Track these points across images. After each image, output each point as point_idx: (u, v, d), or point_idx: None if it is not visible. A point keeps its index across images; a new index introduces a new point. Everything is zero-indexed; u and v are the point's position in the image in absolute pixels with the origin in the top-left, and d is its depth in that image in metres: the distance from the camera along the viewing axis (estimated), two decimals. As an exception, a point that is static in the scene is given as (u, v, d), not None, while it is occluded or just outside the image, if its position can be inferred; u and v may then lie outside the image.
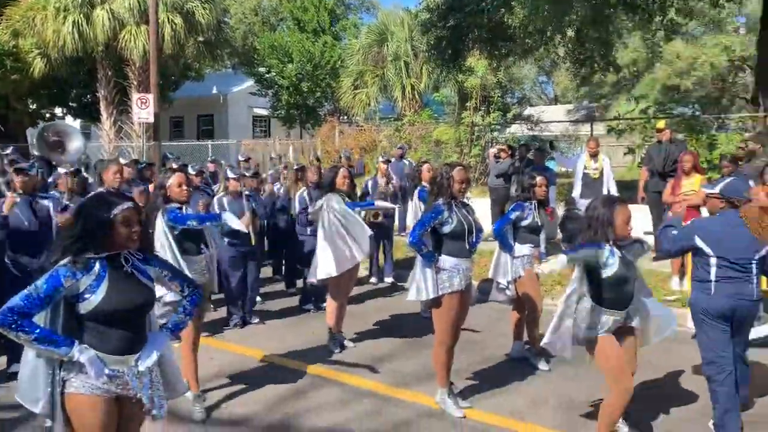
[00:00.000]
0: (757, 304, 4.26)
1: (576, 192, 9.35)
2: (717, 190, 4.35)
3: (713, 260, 4.10)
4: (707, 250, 4.13)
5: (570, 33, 11.99)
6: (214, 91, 26.21)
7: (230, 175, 6.87)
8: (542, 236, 5.90)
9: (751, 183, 7.39)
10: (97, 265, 2.71)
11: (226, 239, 6.76)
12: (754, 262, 4.09)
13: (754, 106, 11.70)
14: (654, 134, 10.04)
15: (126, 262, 2.81)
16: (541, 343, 4.31)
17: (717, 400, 4.17)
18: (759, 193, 7.14)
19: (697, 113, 15.42)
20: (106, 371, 2.68)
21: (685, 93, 24.21)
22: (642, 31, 14.43)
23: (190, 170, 7.81)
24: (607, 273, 3.86)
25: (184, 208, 4.76)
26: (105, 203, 2.75)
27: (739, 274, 4.07)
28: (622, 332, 4.00)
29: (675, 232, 4.40)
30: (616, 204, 3.92)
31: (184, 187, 4.76)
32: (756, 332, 5.41)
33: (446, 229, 4.55)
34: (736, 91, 24.25)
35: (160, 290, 3.43)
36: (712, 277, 4.10)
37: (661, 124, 9.54)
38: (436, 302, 4.58)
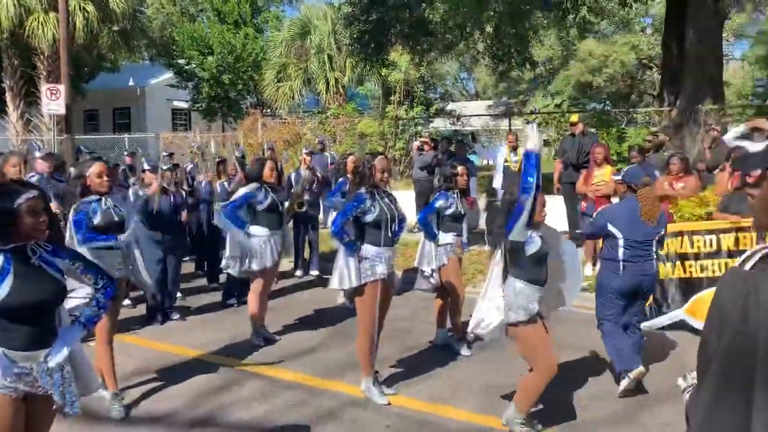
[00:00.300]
0: (655, 277, 4.94)
1: (497, 183, 9.62)
2: (620, 176, 5.00)
3: (621, 241, 4.63)
4: (617, 233, 4.65)
5: (489, 29, 12.28)
6: (131, 83, 25.25)
7: (146, 166, 6.66)
8: (464, 225, 6.05)
9: (657, 173, 7.86)
10: (1, 258, 2.57)
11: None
12: (654, 240, 4.69)
13: (660, 102, 12.38)
14: (568, 128, 10.46)
15: (33, 254, 2.68)
16: (474, 331, 4.38)
17: (616, 352, 4.68)
18: (663, 182, 7.60)
19: (608, 108, 16.16)
20: (14, 369, 2.56)
21: (597, 89, 25.30)
22: (557, 28, 14.99)
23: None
24: (531, 249, 4.00)
25: (103, 200, 4.56)
26: (8, 193, 2.61)
27: (643, 253, 4.61)
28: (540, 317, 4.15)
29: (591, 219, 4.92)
30: None
31: (105, 178, 4.55)
32: (660, 321, 5.83)
33: (369, 218, 4.57)
34: (644, 88, 25.57)
35: (72, 284, 3.30)
36: (620, 256, 4.63)
37: (574, 117, 9.93)
38: (359, 291, 4.60)
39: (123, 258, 4.66)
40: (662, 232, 4.77)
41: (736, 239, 5.93)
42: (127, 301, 7.41)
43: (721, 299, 1.52)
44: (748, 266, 1.46)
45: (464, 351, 5.75)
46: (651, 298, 6.26)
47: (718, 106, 10.75)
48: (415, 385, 5.05)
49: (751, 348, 1.42)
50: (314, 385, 5.07)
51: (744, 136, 7.95)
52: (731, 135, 8.06)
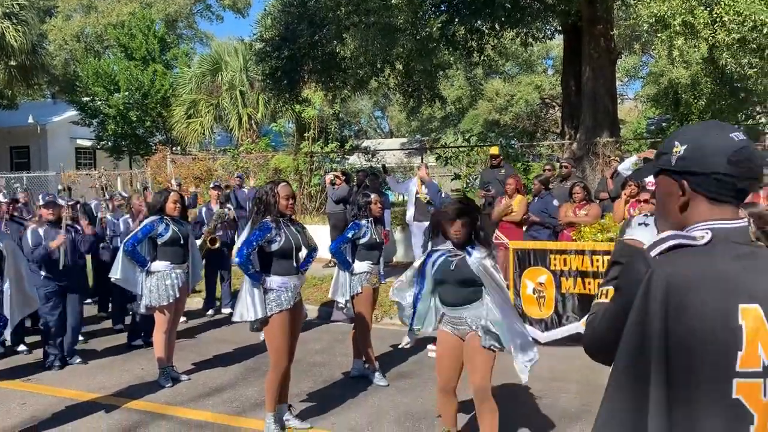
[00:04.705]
0: None
1: (409, 215, 9.74)
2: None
3: None
4: None
5: (399, 66, 12.60)
6: (30, 120, 24.01)
7: (41, 202, 6.30)
8: (381, 256, 6.05)
9: (555, 202, 8.20)
10: None
11: (42, 273, 6.17)
12: None
13: (562, 136, 13.05)
14: (479, 161, 10.80)
15: None
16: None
17: None
18: (567, 210, 7.94)
19: (513, 143, 16.88)
20: None
21: (504, 127, 26.32)
22: (463, 65, 15.52)
23: (1, 198, 7.08)
24: None
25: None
26: None
27: None
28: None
29: None
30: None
31: None
32: (559, 332, 6.11)
33: (274, 247, 4.48)
34: (548, 126, 26.84)
35: None
36: None
37: (495, 150, 10.26)
38: (265, 323, 4.49)
39: None
40: None
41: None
42: (22, 347, 6.95)
43: (628, 276, 1.51)
44: (653, 252, 1.47)
45: (381, 381, 5.71)
46: (552, 310, 6.56)
47: (614, 139, 11.42)
48: (331, 417, 4.95)
49: (648, 335, 1.43)
50: (225, 423, 4.86)
51: (636, 166, 8.48)
52: (625, 165, 8.59)
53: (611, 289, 1.61)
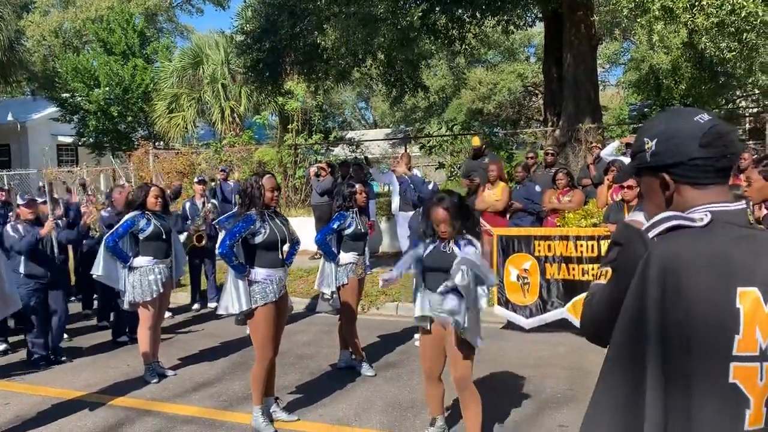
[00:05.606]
0: None
1: (394, 205, 9.72)
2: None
3: None
4: None
5: (380, 56, 12.55)
6: (10, 118, 23.67)
7: (20, 201, 6.23)
8: (366, 246, 6.04)
9: (537, 188, 8.23)
10: None
11: (21, 272, 6.10)
12: None
13: (545, 123, 13.08)
14: (462, 150, 10.77)
15: None
16: None
17: None
18: (551, 196, 7.96)
19: (496, 131, 16.90)
20: None
21: (487, 116, 26.34)
22: (445, 54, 15.49)
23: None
24: None
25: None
26: None
27: None
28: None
29: None
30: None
31: None
32: (544, 318, 6.19)
33: (258, 239, 4.47)
34: (531, 114, 26.90)
35: None
36: None
37: (476, 141, 10.26)
38: (250, 315, 4.47)
39: None
40: None
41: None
42: (4, 346, 6.88)
43: (626, 257, 1.49)
44: (651, 233, 1.45)
45: (368, 371, 5.71)
46: (536, 296, 6.60)
47: (596, 125, 11.46)
48: (319, 408, 4.95)
49: (644, 317, 1.42)
50: (213, 418, 4.84)
51: (619, 152, 8.52)
52: (607, 151, 8.63)
53: (610, 270, 1.58)
